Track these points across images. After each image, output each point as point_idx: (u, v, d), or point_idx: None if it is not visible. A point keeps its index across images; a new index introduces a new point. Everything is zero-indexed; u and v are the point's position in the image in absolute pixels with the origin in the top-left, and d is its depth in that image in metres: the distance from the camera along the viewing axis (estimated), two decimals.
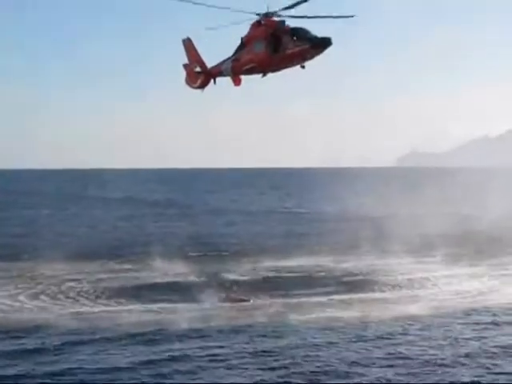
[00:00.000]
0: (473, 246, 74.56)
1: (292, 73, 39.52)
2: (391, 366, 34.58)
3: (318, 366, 34.58)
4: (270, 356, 36.29)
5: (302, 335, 40.01)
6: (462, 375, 33.45)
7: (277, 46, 38.27)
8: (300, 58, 38.04)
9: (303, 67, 38.44)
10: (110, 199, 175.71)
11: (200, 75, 40.42)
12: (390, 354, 36.66)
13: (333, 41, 37.50)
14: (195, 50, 40.78)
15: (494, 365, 35.07)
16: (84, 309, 47.03)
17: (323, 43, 37.60)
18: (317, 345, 38.22)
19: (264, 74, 39.31)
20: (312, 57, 37.99)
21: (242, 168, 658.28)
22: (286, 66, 38.74)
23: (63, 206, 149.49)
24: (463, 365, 34.84)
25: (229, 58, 39.72)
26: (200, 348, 37.66)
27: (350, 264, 64.89)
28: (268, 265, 65.37)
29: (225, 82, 40.47)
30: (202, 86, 40.51)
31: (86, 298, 50.30)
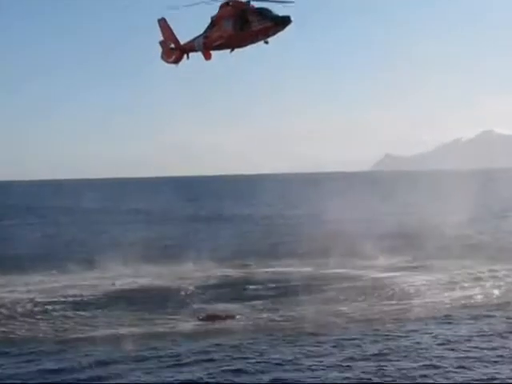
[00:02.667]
0: None
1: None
2: None
3: None
4: None
5: None
6: None
7: (243, 25, 42.95)
8: (264, 35, 42.78)
9: (267, 43, 43.11)
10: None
11: (174, 51, 45.03)
12: None
13: (292, 19, 42.38)
14: (169, 29, 45.30)
15: None
16: None
17: (284, 21, 42.43)
18: None
19: (232, 50, 43.99)
20: (274, 33, 42.76)
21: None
22: (251, 42, 43.39)
23: None
24: None
25: (200, 36, 44.38)
26: None
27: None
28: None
29: None
30: (176, 61, 45.15)
31: None
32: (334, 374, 34.69)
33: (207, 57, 44.35)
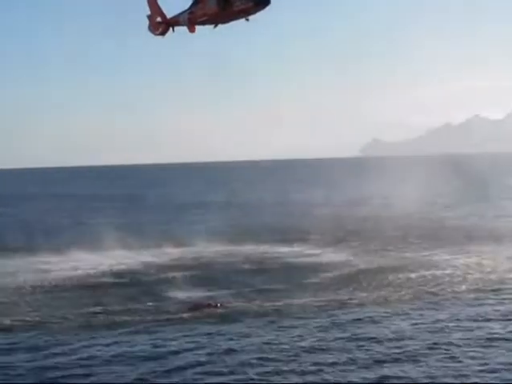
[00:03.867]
0: None
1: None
2: None
3: None
4: None
5: None
6: None
7: (226, 3, 45.86)
8: (245, 13, 45.77)
9: (247, 20, 46.03)
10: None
11: (161, 24, 48.00)
12: None
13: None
14: (156, 4, 48.34)
15: None
16: None
17: (263, 2, 45.37)
18: None
19: (215, 26, 46.95)
20: (254, 12, 45.72)
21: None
22: (233, 19, 46.38)
23: None
24: None
25: (185, 11, 47.40)
26: None
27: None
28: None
29: None
30: (163, 33, 48.24)
31: None
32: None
33: (192, 30, 47.45)
